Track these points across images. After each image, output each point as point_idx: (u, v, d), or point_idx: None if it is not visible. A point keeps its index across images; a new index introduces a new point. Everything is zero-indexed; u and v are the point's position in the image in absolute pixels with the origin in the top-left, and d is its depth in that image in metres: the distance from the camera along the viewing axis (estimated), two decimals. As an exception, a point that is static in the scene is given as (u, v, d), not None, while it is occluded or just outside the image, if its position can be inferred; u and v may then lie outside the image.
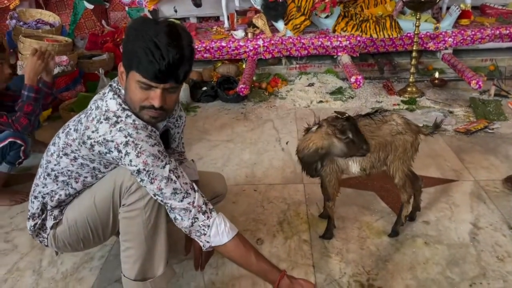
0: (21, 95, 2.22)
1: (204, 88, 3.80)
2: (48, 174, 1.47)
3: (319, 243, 1.92)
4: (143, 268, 1.45)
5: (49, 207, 1.50)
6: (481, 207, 2.12)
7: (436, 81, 3.79)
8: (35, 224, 1.52)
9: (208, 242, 1.36)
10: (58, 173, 1.45)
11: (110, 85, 1.40)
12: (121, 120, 1.30)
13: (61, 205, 1.51)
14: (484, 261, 1.77)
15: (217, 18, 4.92)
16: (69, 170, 1.44)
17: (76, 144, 1.38)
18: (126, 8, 4.86)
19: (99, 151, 1.33)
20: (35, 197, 1.51)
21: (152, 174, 1.29)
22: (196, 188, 1.37)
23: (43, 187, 1.49)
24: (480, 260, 1.78)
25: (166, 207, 1.35)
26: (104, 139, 1.29)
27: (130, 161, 1.28)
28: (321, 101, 3.61)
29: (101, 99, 1.37)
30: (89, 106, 1.41)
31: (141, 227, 1.41)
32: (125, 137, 1.28)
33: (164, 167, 1.30)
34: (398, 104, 3.44)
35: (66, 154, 1.42)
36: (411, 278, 1.70)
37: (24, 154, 2.25)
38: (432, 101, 3.47)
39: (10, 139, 2.17)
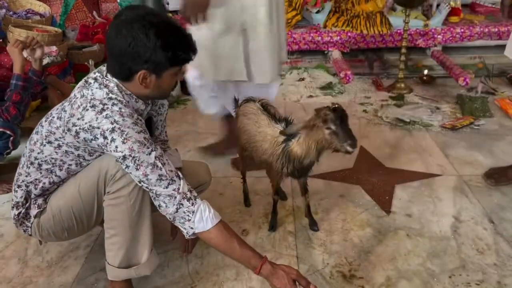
0: (9, 84, 2.22)
1: (195, 81, 3.79)
2: (32, 163, 1.47)
3: (303, 235, 1.94)
4: (127, 255, 1.47)
5: (33, 196, 1.50)
6: (463, 201, 2.15)
7: (425, 78, 3.82)
8: (19, 213, 1.52)
9: (192, 228, 1.37)
10: (41, 161, 1.45)
11: (95, 79, 1.39)
12: (107, 108, 1.31)
13: (45, 193, 1.51)
14: (464, 254, 1.81)
15: (209, 12, 4.91)
16: (53, 158, 1.44)
17: (60, 132, 1.39)
18: (118, 0, 4.84)
19: (84, 138, 1.34)
20: (19, 186, 1.51)
21: (138, 160, 1.30)
22: (181, 175, 1.38)
23: (26, 176, 1.49)
24: (460, 252, 1.82)
25: (151, 194, 1.36)
26: (90, 125, 1.31)
27: (116, 147, 1.29)
28: (311, 96, 3.63)
29: (86, 88, 1.37)
30: (72, 94, 1.41)
31: (126, 214, 1.43)
32: (111, 123, 1.29)
33: (150, 153, 1.31)
34: (386, 100, 3.47)
35: (49, 142, 1.42)
36: (392, 269, 1.74)
37: (12, 144, 2.25)
38: (420, 97, 3.51)
39: None
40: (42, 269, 1.80)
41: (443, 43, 4.04)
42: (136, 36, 1.28)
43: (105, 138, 1.30)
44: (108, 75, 1.39)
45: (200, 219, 1.36)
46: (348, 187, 2.30)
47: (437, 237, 1.91)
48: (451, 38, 3.99)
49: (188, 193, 1.37)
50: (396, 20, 3.92)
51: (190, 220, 1.36)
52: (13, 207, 1.53)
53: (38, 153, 1.45)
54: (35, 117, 3.14)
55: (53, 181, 1.48)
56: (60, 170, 1.46)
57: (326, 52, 4.11)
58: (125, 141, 1.29)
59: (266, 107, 1.85)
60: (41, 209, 1.50)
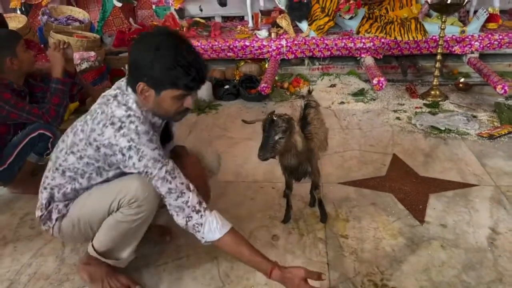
0: (49, 87, 2.31)
1: (226, 87, 3.84)
2: (57, 169, 1.57)
3: (334, 242, 1.93)
4: (112, 251, 1.64)
5: (56, 199, 1.60)
6: (501, 213, 2.09)
7: (461, 85, 3.73)
8: (42, 215, 1.61)
9: (203, 238, 1.49)
10: (65, 168, 1.55)
11: (115, 96, 1.48)
12: (125, 126, 1.42)
13: (66, 199, 1.60)
14: (502, 267, 1.75)
15: (241, 18, 4.97)
16: (75, 167, 1.54)
17: (82, 144, 1.49)
18: (153, 7, 4.97)
19: (104, 153, 1.46)
20: (45, 188, 1.60)
21: (151, 174, 1.44)
22: (191, 188, 1.48)
23: (52, 180, 1.59)
24: (497, 265, 1.76)
25: (165, 202, 1.48)
26: (109, 142, 1.42)
27: (133, 164, 1.43)
28: (342, 102, 3.61)
29: (106, 105, 1.47)
30: (93, 109, 1.51)
31: (125, 230, 1.55)
32: (128, 142, 1.41)
33: (161, 168, 1.44)
34: (421, 107, 3.40)
35: (73, 153, 1.52)
36: (425, 280, 1.70)
37: (52, 146, 2.33)
38: (456, 105, 3.43)
39: (40, 131, 2.26)
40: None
41: (480, 50, 3.93)
42: (141, 50, 1.40)
43: (123, 155, 1.42)
44: (128, 89, 1.49)
45: (209, 230, 1.47)
46: (380, 195, 2.27)
47: (473, 249, 1.86)
48: (489, 45, 3.88)
49: (197, 205, 1.47)
50: (432, 27, 3.85)
51: (199, 231, 1.48)
52: (37, 209, 1.64)
53: (63, 160, 1.55)
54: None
55: (75, 188, 1.58)
56: (82, 178, 1.56)
57: (358, 58, 4.08)
58: (140, 159, 1.42)
59: (307, 107, 1.92)
60: (61, 214, 1.59)
